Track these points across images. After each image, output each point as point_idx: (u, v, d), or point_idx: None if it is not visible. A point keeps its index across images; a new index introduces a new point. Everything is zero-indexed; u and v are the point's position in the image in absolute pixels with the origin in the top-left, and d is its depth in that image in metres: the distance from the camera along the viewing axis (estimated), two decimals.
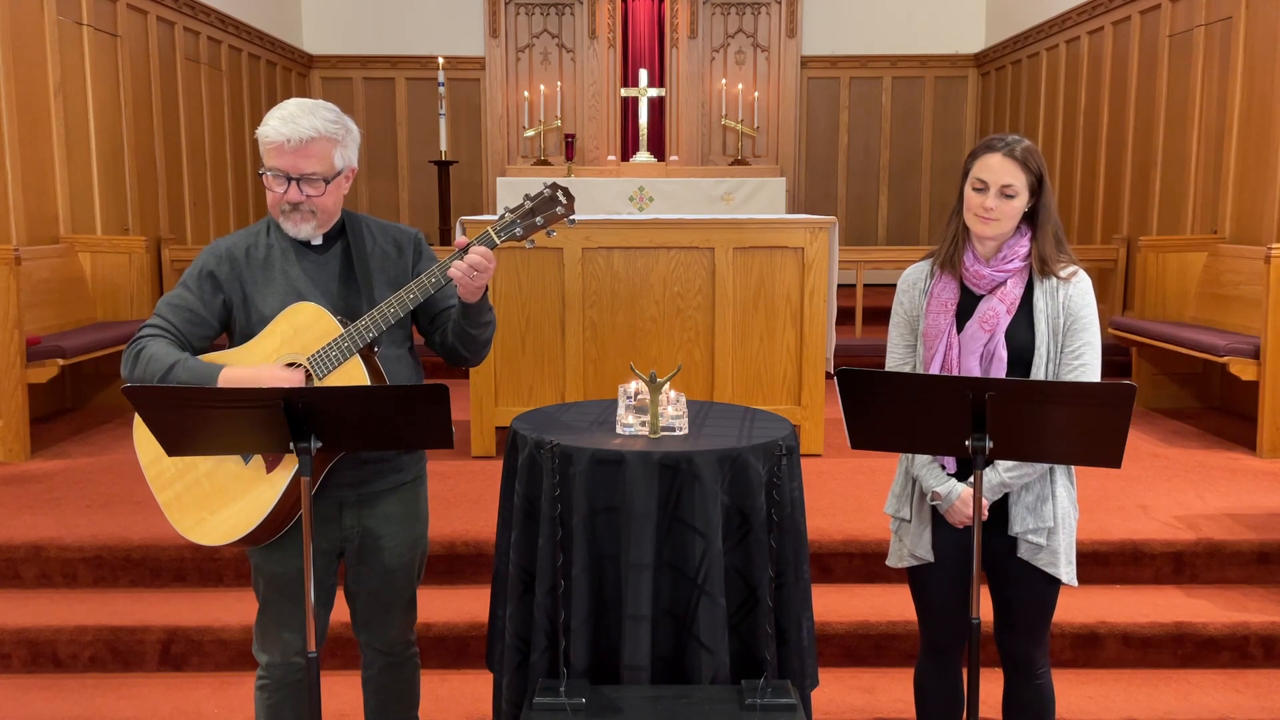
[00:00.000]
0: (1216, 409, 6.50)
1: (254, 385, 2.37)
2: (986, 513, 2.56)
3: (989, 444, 2.28)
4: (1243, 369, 5.42)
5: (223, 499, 2.47)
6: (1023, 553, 2.61)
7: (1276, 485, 4.85)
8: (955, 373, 2.57)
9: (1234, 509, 4.44)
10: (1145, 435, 5.80)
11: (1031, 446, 2.37)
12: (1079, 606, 3.80)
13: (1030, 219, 2.60)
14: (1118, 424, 2.22)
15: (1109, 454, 2.27)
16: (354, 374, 2.43)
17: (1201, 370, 6.50)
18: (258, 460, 2.46)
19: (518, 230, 2.52)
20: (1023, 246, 2.60)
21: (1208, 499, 4.60)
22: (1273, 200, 6.04)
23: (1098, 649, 3.76)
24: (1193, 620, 3.78)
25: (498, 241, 2.49)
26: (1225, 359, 5.46)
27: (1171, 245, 6.66)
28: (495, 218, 2.57)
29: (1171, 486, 4.79)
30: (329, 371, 2.43)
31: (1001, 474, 2.56)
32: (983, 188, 2.55)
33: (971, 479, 2.57)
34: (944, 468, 2.64)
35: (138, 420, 2.49)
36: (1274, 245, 5.30)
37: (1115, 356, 6.84)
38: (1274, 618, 3.78)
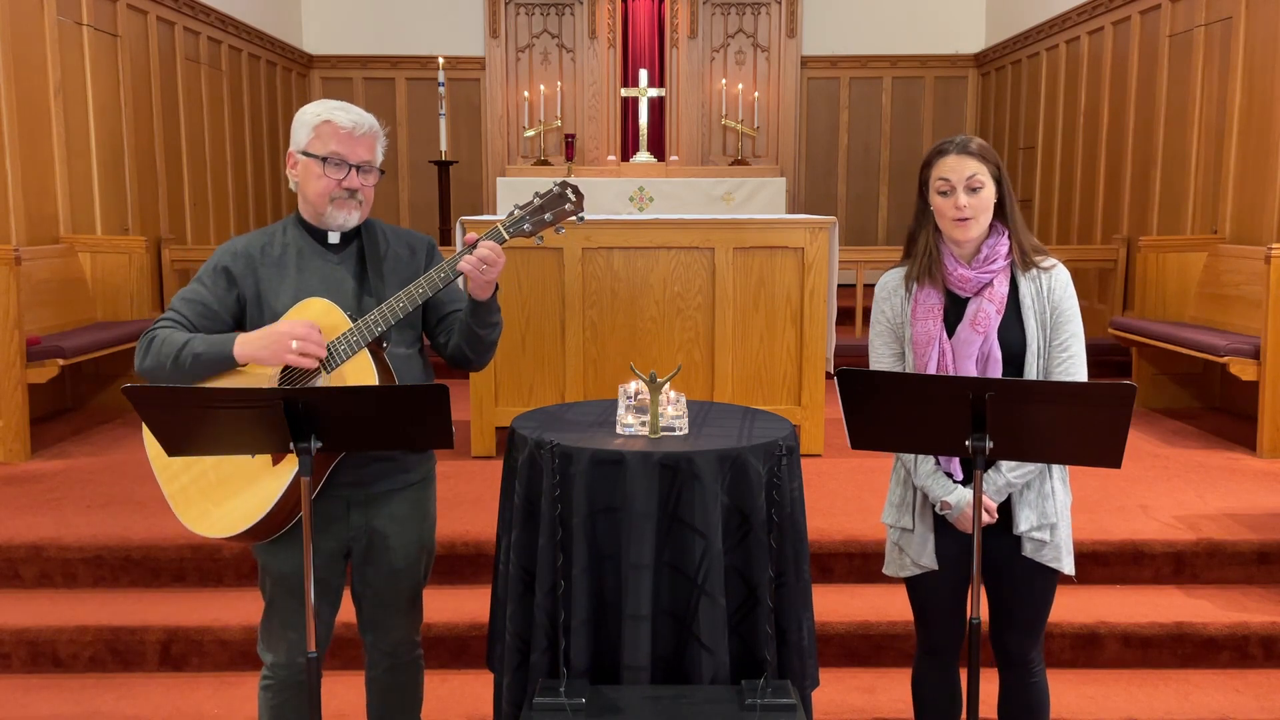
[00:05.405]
0: (1216, 409, 6.50)
1: (269, 343, 2.41)
2: (996, 514, 2.57)
3: (989, 444, 2.27)
4: (1243, 369, 5.41)
5: (227, 491, 2.48)
6: (1028, 551, 2.59)
7: (1276, 485, 4.85)
8: None
9: (1234, 509, 4.44)
10: (1145, 435, 5.80)
11: (1031, 446, 2.36)
12: (1079, 606, 3.80)
13: (999, 214, 2.58)
14: (1118, 424, 2.21)
15: (1109, 454, 2.26)
16: (363, 367, 2.45)
17: (1201, 370, 6.50)
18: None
19: (526, 226, 2.55)
20: (1003, 245, 2.58)
21: (1208, 499, 4.59)
22: (1273, 200, 6.04)
23: (1098, 649, 3.76)
24: (1193, 620, 3.78)
25: (506, 237, 2.54)
26: (1225, 359, 5.46)
27: (1171, 245, 6.66)
28: (501, 217, 2.59)
29: (1171, 486, 4.79)
30: (338, 364, 2.45)
31: (1006, 475, 2.55)
32: (949, 189, 2.53)
33: None
34: (950, 476, 2.62)
35: None
36: (1274, 245, 5.30)
37: (1115, 356, 6.85)
38: (1274, 618, 3.78)
